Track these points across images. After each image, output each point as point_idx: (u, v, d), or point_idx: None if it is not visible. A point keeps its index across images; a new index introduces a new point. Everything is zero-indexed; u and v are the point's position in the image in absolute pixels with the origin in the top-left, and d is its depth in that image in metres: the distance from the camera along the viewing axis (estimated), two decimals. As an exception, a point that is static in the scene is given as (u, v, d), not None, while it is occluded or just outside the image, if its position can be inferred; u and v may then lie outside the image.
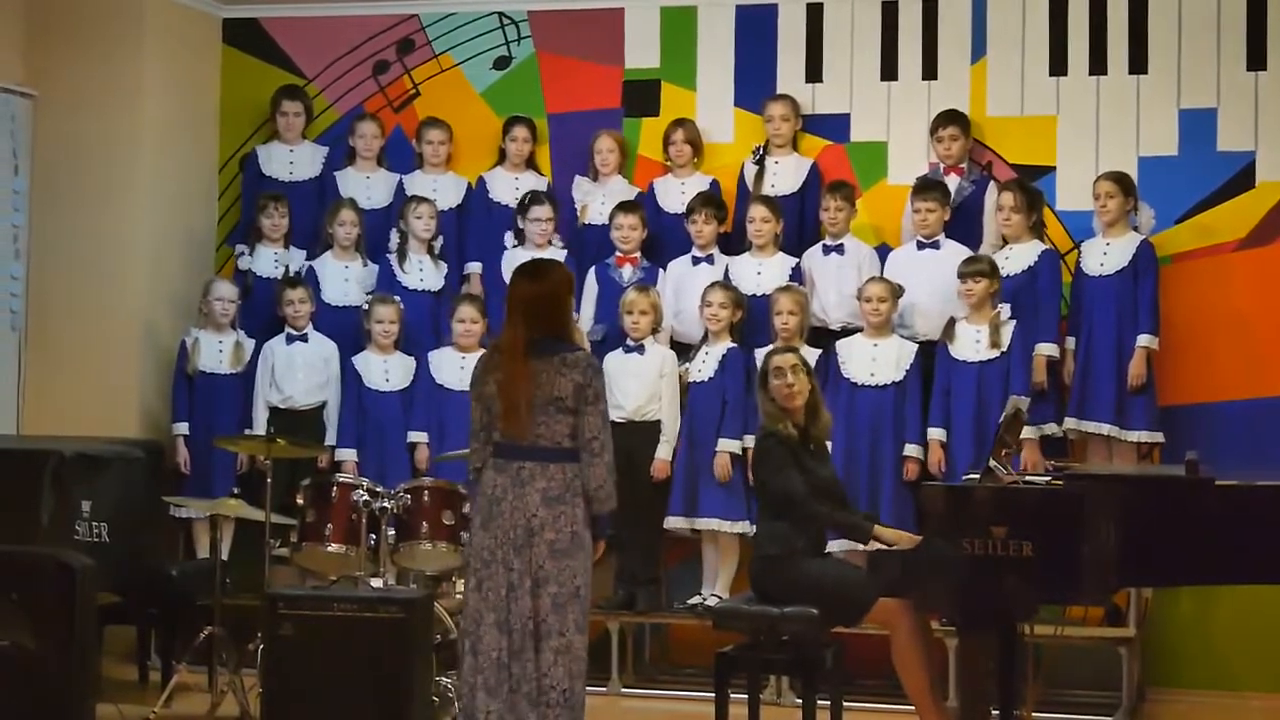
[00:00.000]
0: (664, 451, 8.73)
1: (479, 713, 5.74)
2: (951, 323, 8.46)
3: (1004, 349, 8.31)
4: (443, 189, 9.62)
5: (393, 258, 9.37)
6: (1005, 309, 8.39)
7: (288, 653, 6.95)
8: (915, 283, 8.65)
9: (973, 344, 8.37)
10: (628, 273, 9.10)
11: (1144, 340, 8.39)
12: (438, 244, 9.43)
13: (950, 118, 8.92)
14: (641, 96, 9.55)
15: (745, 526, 8.53)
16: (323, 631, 6.92)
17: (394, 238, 9.43)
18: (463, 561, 6.00)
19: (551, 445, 5.82)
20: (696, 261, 9.06)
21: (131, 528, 8.16)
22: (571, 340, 5.98)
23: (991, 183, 8.92)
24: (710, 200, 9.07)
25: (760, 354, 7.98)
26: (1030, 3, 9.06)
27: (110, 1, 9.50)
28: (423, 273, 9.37)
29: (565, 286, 6.00)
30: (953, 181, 8.89)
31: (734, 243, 9.14)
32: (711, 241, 9.05)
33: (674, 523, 8.70)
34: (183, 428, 9.20)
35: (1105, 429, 8.42)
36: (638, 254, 9.13)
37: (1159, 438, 8.48)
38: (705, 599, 8.66)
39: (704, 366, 8.72)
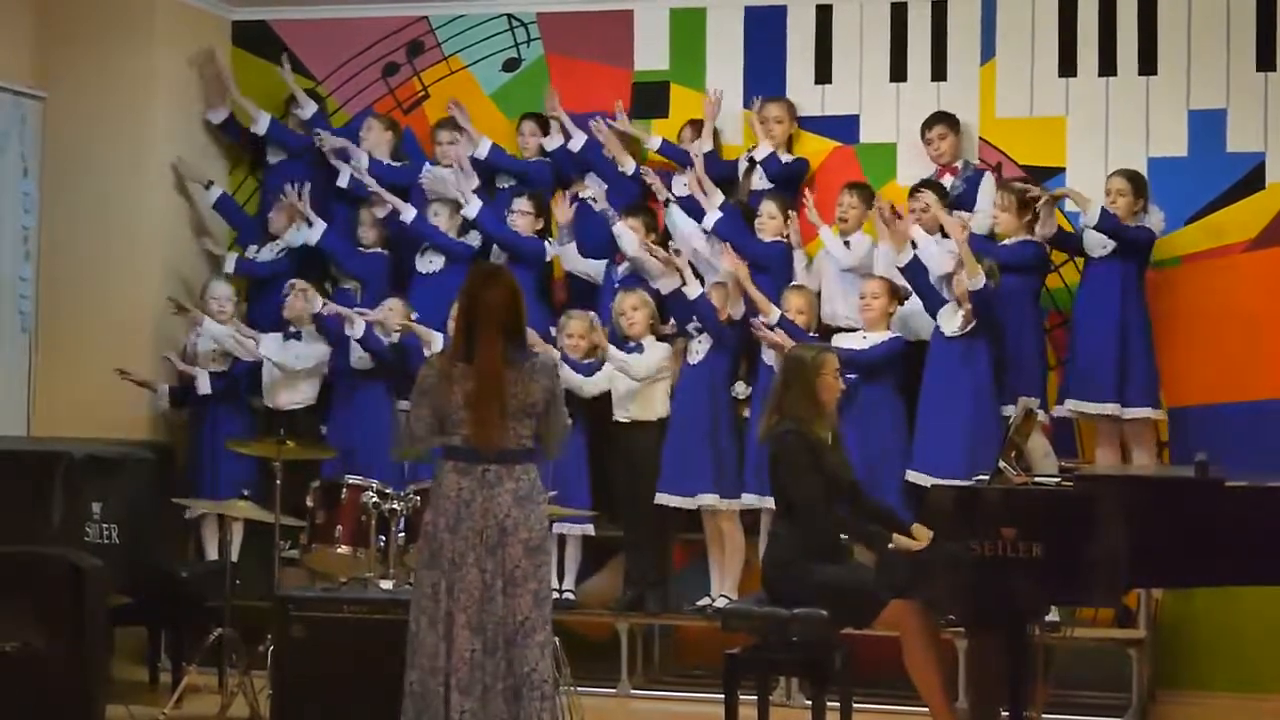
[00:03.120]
0: (614, 353, 8.77)
1: (454, 712, 5.76)
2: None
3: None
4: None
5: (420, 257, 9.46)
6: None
7: (297, 654, 6.97)
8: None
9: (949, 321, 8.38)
10: (623, 269, 9.11)
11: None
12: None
13: (937, 118, 8.95)
14: (651, 98, 9.55)
15: (743, 501, 8.59)
16: (332, 633, 6.94)
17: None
18: (421, 564, 5.95)
19: (518, 448, 5.87)
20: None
21: (141, 529, 8.16)
22: (529, 345, 6.03)
23: (988, 175, 8.90)
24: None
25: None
26: (1040, 4, 9.06)
27: (120, 4, 9.52)
28: (430, 261, 9.43)
29: (520, 290, 6.02)
30: (946, 181, 8.90)
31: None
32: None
33: (666, 500, 8.68)
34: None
35: (1109, 409, 8.41)
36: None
37: (1161, 415, 8.50)
38: (714, 600, 8.65)
39: (700, 348, 8.74)
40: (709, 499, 8.64)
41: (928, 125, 8.96)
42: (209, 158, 9.93)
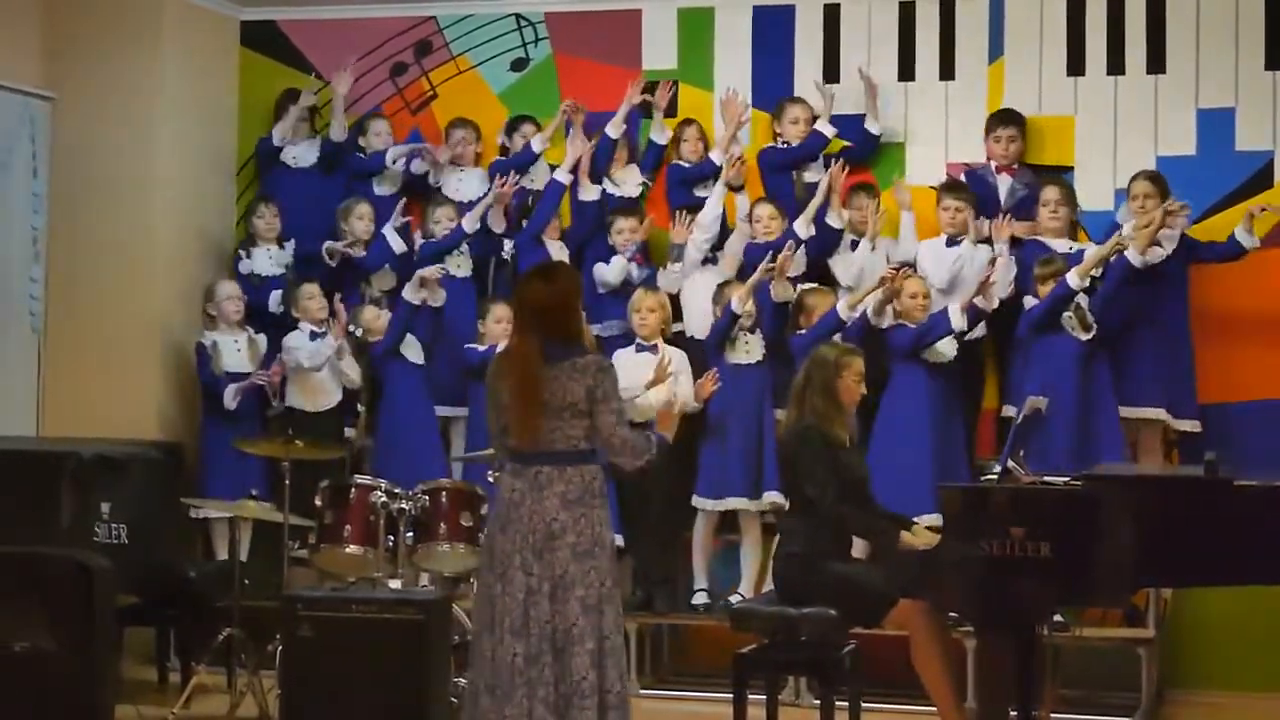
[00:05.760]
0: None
1: (491, 716, 5.73)
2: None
3: (1093, 329, 8.31)
4: (468, 181, 9.63)
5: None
6: (1083, 297, 8.38)
7: (306, 654, 6.97)
8: (942, 277, 8.71)
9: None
10: (635, 272, 9.12)
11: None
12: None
13: (1008, 118, 8.92)
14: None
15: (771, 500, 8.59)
16: (341, 633, 6.94)
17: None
18: (479, 564, 5.96)
19: (568, 449, 5.79)
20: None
21: (150, 529, 8.18)
22: (581, 343, 5.96)
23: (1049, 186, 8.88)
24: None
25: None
26: (1048, 2, 9.05)
27: (128, 4, 9.52)
28: (459, 265, 9.42)
29: (575, 288, 5.97)
30: (1004, 181, 8.91)
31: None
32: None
33: (703, 503, 8.72)
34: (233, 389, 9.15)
35: (1154, 413, 8.47)
36: (640, 255, 9.17)
37: (1195, 426, 8.54)
38: (711, 592, 8.71)
39: (753, 347, 8.75)
40: (740, 502, 8.69)
41: (999, 123, 8.90)
42: (214, 156, 9.95)
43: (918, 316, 8.52)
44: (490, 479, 6.28)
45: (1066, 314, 8.31)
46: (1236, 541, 5.92)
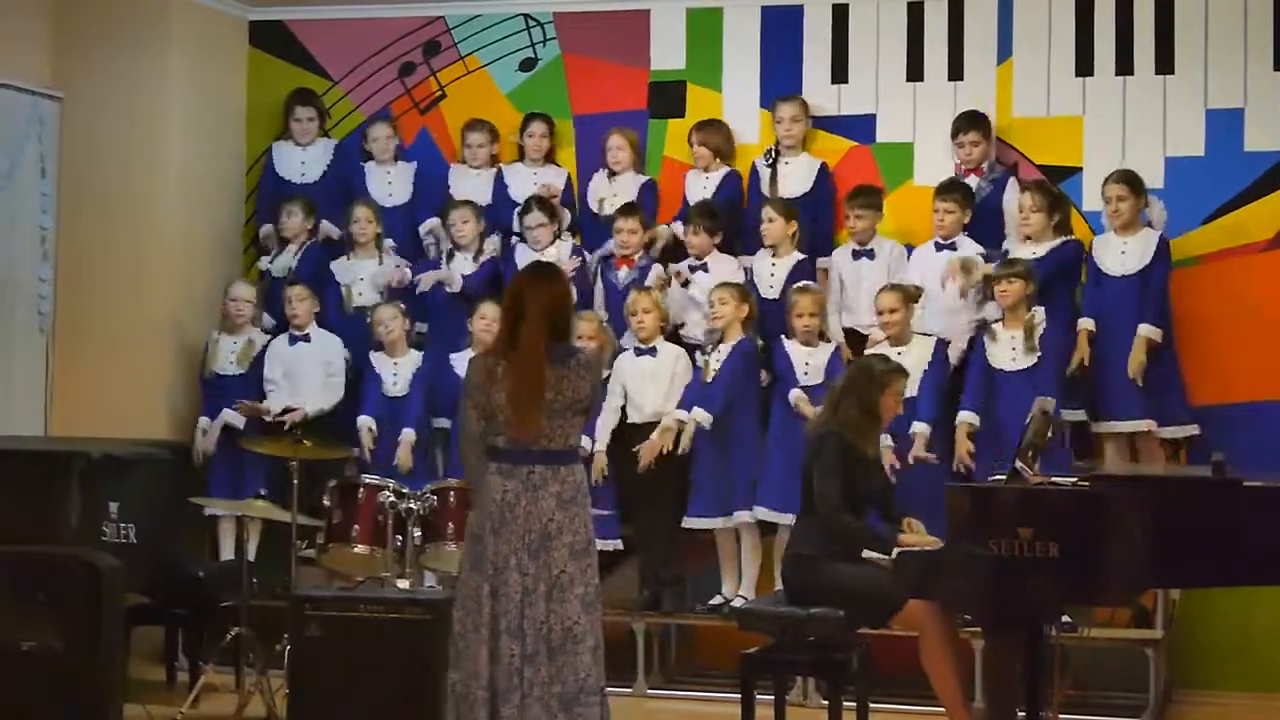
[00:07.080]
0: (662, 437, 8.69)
1: (485, 716, 5.74)
2: (985, 323, 8.46)
3: (1039, 354, 8.28)
4: (484, 183, 9.64)
5: (442, 261, 9.43)
6: (1040, 312, 8.34)
7: (314, 653, 6.98)
8: (933, 282, 8.67)
9: (1009, 351, 8.33)
10: (624, 274, 9.11)
11: (1145, 330, 8.35)
12: (489, 243, 9.45)
13: (971, 122, 8.92)
14: (667, 98, 9.55)
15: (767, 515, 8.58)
16: (349, 632, 6.95)
17: (443, 244, 9.51)
18: (466, 566, 5.93)
19: (562, 448, 5.85)
20: (693, 269, 9.06)
21: (158, 529, 8.17)
22: (573, 343, 6.01)
23: (1012, 180, 8.88)
24: (705, 211, 9.07)
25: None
26: (1056, 3, 9.05)
27: (137, 4, 9.53)
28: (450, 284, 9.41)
29: (569, 292, 6.05)
30: (971, 182, 8.89)
31: (754, 243, 9.13)
32: (706, 251, 9.02)
33: (701, 523, 8.71)
34: (204, 422, 9.23)
35: (1130, 426, 8.41)
36: (635, 255, 9.15)
37: (1193, 430, 8.49)
38: (731, 599, 8.66)
39: (715, 363, 8.69)
40: (744, 516, 8.66)
41: (960, 129, 8.92)
42: (223, 156, 9.95)
43: (891, 332, 8.48)
44: (469, 478, 6.32)
45: (1014, 347, 8.31)
46: (1244, 542, 5.91)
